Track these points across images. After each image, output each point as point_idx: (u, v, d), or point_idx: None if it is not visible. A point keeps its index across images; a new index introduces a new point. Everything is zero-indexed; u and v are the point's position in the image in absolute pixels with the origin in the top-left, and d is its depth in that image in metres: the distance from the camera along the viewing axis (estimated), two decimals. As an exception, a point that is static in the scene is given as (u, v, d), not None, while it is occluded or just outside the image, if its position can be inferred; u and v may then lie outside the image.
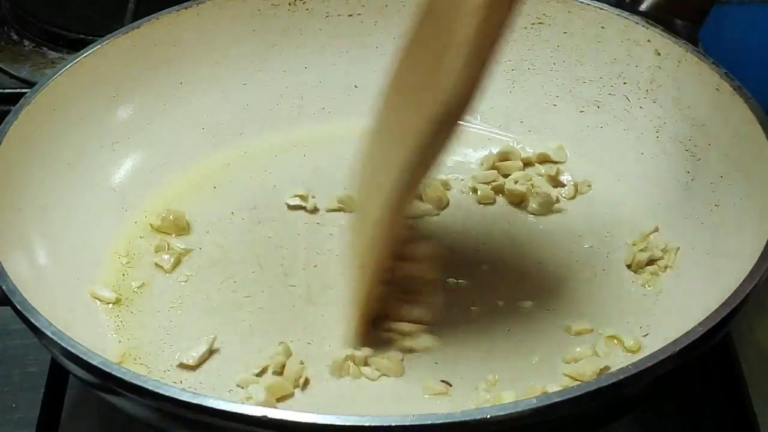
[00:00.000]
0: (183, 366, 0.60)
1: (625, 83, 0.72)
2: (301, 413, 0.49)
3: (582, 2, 0.73)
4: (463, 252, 0.67)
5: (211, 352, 0.60)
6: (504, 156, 0.72)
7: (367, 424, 0.48)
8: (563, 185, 0.71)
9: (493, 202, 0.70)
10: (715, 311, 0.53)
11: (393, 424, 0.48)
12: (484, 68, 0.54)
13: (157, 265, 0.66)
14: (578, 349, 0.60)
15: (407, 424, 0.48)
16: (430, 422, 0.48)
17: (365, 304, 0.60)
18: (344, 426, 0.48)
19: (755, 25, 0.93)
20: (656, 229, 0.66)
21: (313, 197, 0.70)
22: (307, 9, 0.75)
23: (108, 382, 0.51)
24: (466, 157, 0.73)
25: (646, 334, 0.61)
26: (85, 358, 0.52)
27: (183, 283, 0.65)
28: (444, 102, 0.54)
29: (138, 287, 0.65)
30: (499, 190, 0.70)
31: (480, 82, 0.54)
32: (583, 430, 0.56)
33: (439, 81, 0.54)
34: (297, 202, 0.70)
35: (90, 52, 0.69)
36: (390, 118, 0.59)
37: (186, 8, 0.72)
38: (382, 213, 0.58)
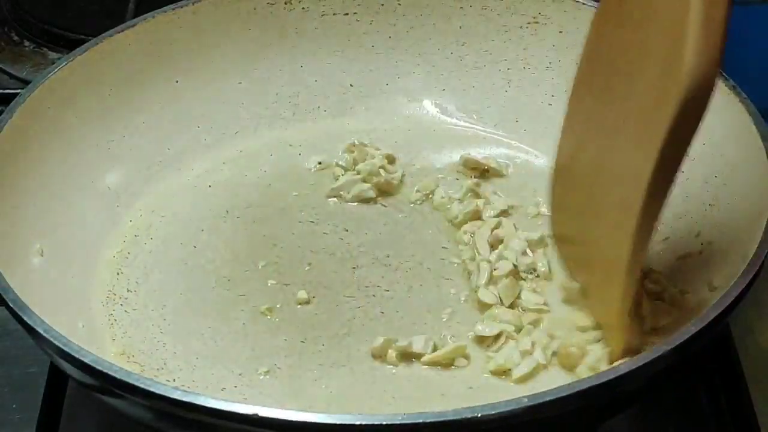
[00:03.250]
0: (176, 364, 0.60)
1: (622, 82, 0.72)
2: (292, 412, 0.49)
3: (578, 1, 0.73)
4: None
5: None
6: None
7: (357, 422, 0.48)
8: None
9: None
10: (707, 311, 0.53)
11: (383, 423, 0.48)
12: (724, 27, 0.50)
13: (153, 263, 0.66)
14: None
15: (397, 422, 0.48)
16: (420, 421, 0.48)
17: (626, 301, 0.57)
18: (335, 425, 0.48)
19: (755, 25, 0.92)
20: (652, 228, 0.66)
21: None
22: (302, 8, 0.75)
23: (100, 380, 0.51)
24: (461, 158, 0.73)
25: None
26: (77, 356, 0.52)
27: (178, 281, 0.65)
28: (691, 75, 0.50)
29: (132, 286, 0.65)
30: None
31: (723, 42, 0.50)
32: (580, 427, 0.56)
33: (673, 58, 0.51)
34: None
35: (85, 51, 0.69)
36: (600, 125, 0.58)
37: (181, 7, 0.72)
38: (641, 219, 0.55)
